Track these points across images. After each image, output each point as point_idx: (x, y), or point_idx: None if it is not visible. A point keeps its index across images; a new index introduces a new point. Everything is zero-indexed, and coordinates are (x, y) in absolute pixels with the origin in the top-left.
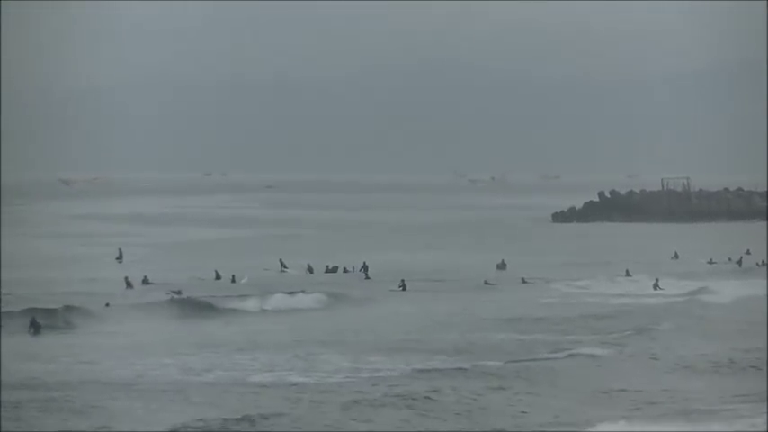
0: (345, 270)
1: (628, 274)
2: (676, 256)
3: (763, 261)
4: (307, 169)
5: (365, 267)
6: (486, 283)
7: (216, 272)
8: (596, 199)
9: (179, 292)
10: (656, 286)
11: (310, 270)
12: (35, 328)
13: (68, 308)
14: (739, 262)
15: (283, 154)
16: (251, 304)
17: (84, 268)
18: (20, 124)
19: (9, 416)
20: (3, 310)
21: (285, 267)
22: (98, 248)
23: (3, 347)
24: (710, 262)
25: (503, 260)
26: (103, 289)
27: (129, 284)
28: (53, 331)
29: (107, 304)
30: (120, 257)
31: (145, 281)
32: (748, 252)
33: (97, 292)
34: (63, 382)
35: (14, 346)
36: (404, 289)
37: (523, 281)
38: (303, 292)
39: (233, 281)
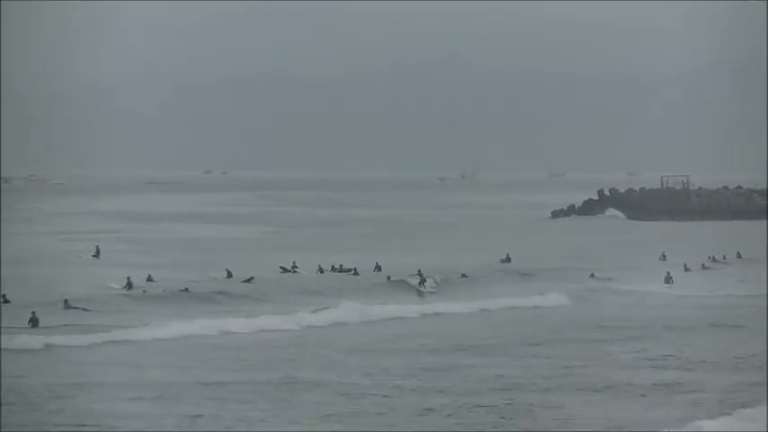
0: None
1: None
2: (664, 257)
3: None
4: (304, 167)
5: (378, 268)
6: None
7: (227, 270)
8: (596, 197)
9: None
10: (667, 279)
11: (321, 270)
12: (33, 323)
13: (67, 306)
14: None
15: (280, 151)
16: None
17: (82, 267)
18: (18, 123)
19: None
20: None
21: (296, 268)
22: (71, 245)
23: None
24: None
25: (507, 254)
26: (95, 288)
27: (130, 284)
28: (51, 331)
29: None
30: (97, 254)
31: (149, 279)
32: (739, 255)
33: (97, 292)
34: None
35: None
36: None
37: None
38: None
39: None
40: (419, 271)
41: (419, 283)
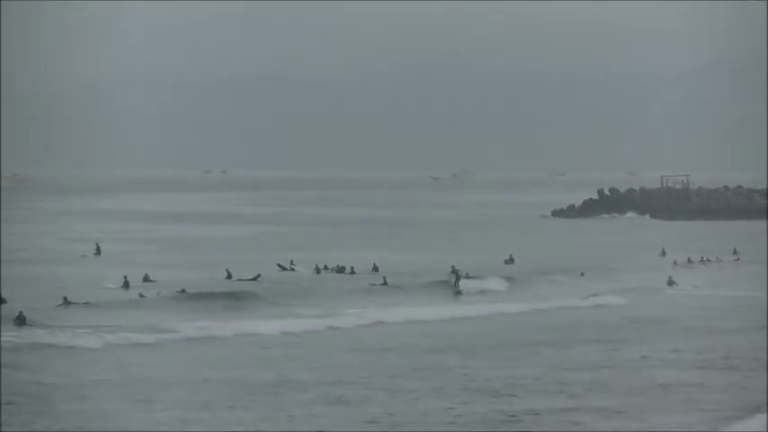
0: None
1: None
2: (663, 253)
3: None
4: (304, 167)
5: (375, 268)
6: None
7: (227, 271)
8: (596, 196)
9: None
10: (670, 282)
11: (317, 270)
12: (20, 321)
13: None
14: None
15: (280, 151)
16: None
17: (84, 266)
18: (18, 123)
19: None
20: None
21: (294, 266)
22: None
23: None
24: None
25: (510, 255)
26: (93, 288)
27: (126, 284)
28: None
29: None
30: (98, 252)
31: (146, 279)
32: (735, 252)
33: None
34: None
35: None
36: (385, 284)
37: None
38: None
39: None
40: (453, 267)
41: (455, 282)
